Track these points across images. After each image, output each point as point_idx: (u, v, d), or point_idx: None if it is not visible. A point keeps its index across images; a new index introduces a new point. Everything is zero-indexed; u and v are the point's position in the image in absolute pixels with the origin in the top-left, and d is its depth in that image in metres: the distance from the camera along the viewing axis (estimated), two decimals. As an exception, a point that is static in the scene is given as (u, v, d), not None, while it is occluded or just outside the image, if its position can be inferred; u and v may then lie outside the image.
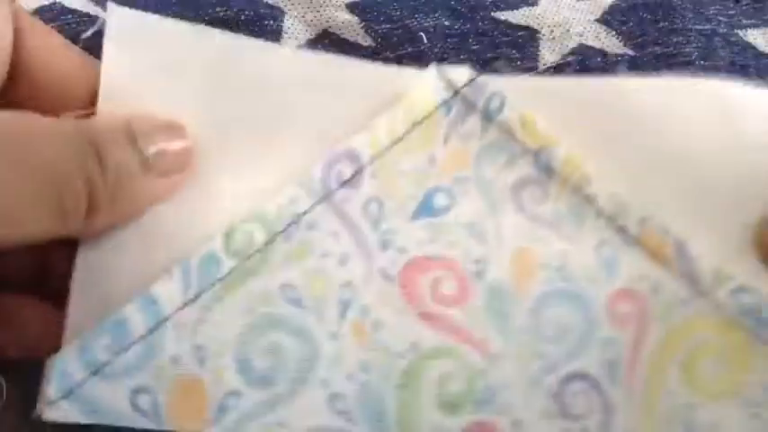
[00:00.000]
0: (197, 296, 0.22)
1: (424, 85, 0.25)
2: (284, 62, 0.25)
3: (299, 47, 0.33)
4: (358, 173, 0.24)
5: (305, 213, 0.23)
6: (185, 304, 0.22)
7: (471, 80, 0.26)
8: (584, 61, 0.33)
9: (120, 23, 0.23)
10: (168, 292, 0.22)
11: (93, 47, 0.24)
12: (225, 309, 0.22)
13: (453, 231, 0.24)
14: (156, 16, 0.24)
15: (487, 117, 0.25)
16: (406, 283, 0.24)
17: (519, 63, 0.33)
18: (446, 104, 0.25)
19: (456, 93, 0.26)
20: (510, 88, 0.26)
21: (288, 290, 0.23)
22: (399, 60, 0.33)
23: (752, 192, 0.25)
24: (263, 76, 0.25)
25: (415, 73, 0.26)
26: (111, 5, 0.23)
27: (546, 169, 0.25)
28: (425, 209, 0.25)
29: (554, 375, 0.23)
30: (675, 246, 0.24)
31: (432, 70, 0.26)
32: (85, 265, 0.22)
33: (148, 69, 0.24)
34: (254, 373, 0.22)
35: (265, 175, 0.24)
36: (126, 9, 0.23)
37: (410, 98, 0.25)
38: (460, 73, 0.26)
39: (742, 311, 0.23)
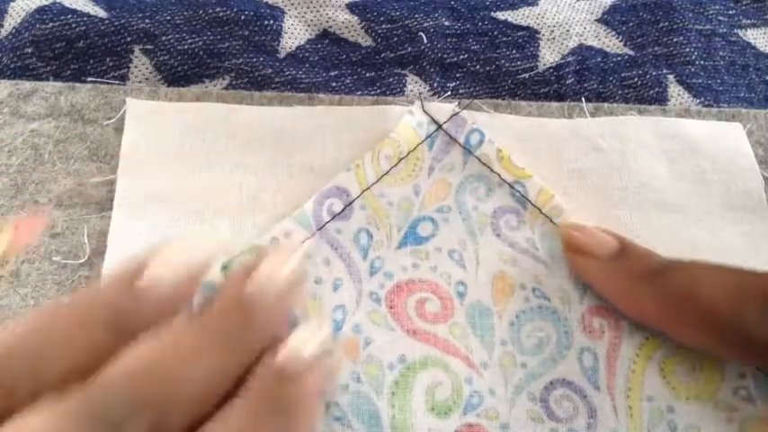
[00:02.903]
0: None
1: (409, 121, 0.28)
2: (278, 115, 0.29)
3: (300, 46, 0.33)
4: (348, 206, 0.26)
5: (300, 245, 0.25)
6: None
7: (453, 115, 0.28)
8: (584, 61, 0.33)
9: (136, 108, 0.28)
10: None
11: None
12: None
13: (436, 257, 0.26)
14: (163, 102, 0.28)
15: (468, 150, 0.28)
16: (394, 304, 0.25)
17: (519, 63, 0.33)
18: (430, 139, 0.28)
19: (439, 127, 0.28)
20: (486, 123, 0.28)
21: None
22: (399, 60, 0.33)
23: (704, 216, 0.28)
24: (260, 130, 0.28)
25: (401, 110, 0.28)
26: (129, 100, 0.28)
27: (521, 200, 0.27)
28: (410, 238, 0.26)
29: (537, 382, 0.24)
30: None
31: (417, 106, 0.28)
32: None
33: (159, 136, 0.28)
34: None
35: (263, 212, 0.26)
36: (141, 101, 0.28)
37: (396, 134, 0.27)
38: (443, 109, 0.28)
39: None
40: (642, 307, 0.23)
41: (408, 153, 0.27)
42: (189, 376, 0.19)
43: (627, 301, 0.24)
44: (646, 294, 0.23)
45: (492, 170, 0.27)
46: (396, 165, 0.27)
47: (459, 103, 0.29)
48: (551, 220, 0.27)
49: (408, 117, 0.28)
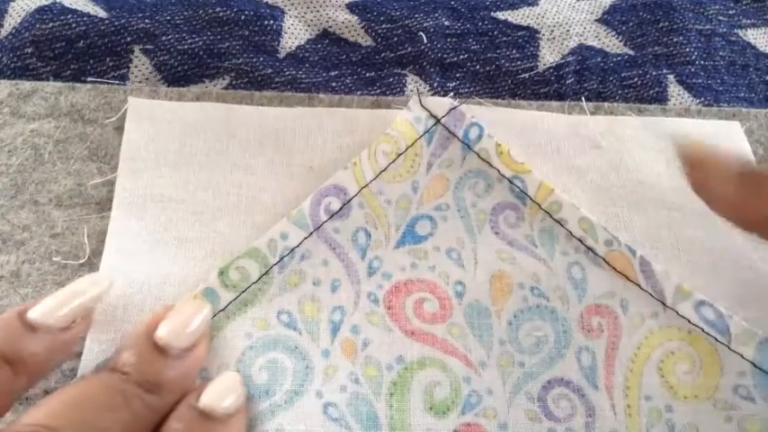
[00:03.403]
0: None
1: (407, 117, 0.27)
2: (278, 115, 0.29)
3: (300, 46, 0.33)
4: (346, 204, 0.26)
5: (297, 246, 0.25)
6: None
7: (451, 110, 0.27)
8: (584, 61, 0.33)
9: (138, 106, 0.28)
10: None
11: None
12: (226, 336, 0.24)
13: (434, 257, 0.26)
14: (164, 102, 0.29)
15: (467, 145, 0.27)
16: (392, 305, 0.25)
17: (519, 63, 0.33)
18: (428, 134, 0.27)
19: (437, 122, 0.27)
20: (486, 118, 0.28)
21: (283, 315, 0.24)
22: (399, 60, 0.33)
23: (702, 213, 0.27)
24: (260, 130, 0.28)
25: (398, 112, 0.28)
26: (131, 99, 0.28)
27: (520, 195, 0.27)
28: (409, 237, 0.26)
29: (535, 382, 0.24)
30: (640, 264, 0.26)
31: (414, 101, 0.28)
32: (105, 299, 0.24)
33: (160, 136, 0.28)
34: (253, 387, 0.23)
35: (263, 213, 0.26)
36: (142, 99, 0.28)
37: (393, 130, 0.27)
38: (441, 103, 0.28)
39: (706, 323, 0.24)
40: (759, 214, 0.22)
41: (407, 149, 0.27)
42: (103, 427, 0.19)
43: (753, 212, 0.22)
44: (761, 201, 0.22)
45: (491, 165, 0.27)
46: (394, 161, 0.27)
47: (458, 100, 0.29)
48: (551, 216, 0.27)
49: (405, 112, 0.27)
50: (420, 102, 0.28)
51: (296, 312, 0.24)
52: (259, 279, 0.24)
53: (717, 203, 0.23)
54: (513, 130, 0.29)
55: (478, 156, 0.27)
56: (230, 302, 0.24)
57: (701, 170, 0.23)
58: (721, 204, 0.23)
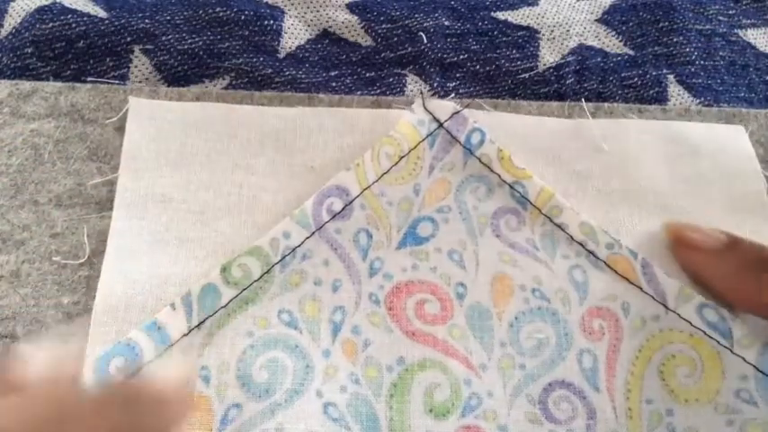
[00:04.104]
0: (201, 323, 0.24)
1: (410, 119, 0.27)
2: (278, 114, 0.28)
3: (300, 46, 0.33)
4: (348, 205, 0.26)
5: (299, 246, 0.25)
6: (190, 330, 0.23)
7: (454, 114, 0.27)
8: (584, 61, 0.33)
9: (139, 106, 0.28)
10: (173, 320, 0.23)
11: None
12: (227, 333, 0.24)
13: (436, 258, 0.26)
14: (165, 102, 0.28)
15: (469, 150, 0.27)
16: (393, 305, 0.25)
17: (519, 63, 0.33)
18: (431, 137, 0.27)
19: (440, 125, 0.27)
20: (487, 123, 0.28)
21: (284, 314, 0.24)
22: (399, 60, 0.33)
23: (705, 219, 0.27)
24: (260, 130, 0.28)
25: (401, 112, 0.28)
26: (132, 99, 0.28)
27: (521, 200, 0.27)
28: (410, 238, 0.26)
29: (536, 384, 0.24)
30: (642, 267, 0.25)
31: (418, 104, 0.27)
32: (105, 291, 0.24)
33: (161, 136, 0.28)
34: (254, 386, 0.23)
35: (263, 212, 0.26)
36: (143, 99, 0.28)
37: (396, 132, 0.27)
38: (444, 106, 0.28)
39: (708, 325, 0.24)
40: (753, 295, 0.24)
41: (409, 151, 0.27)
42: None
43: (738, 291, 0.24)
44: (758, 283, 0.23)
45: (492, 170, 0.27)
46: (396, 163, 0.27)
47: (460, 101, 0.28)
48: (551, 220, 0.27)
49: (409, 114, 0.27)
50: (423, 105, 0.28)
51: (297, 312, 0.24)
52: (261, 277, 0.24)
53: (707, 282, 0.25)
54: (515, 134, 0.29)
55: (480, 161, 0.27)
56: (232, 299, 0.24)
57: (691, 250, 0.25)
58: (712, 283, 0.25)
